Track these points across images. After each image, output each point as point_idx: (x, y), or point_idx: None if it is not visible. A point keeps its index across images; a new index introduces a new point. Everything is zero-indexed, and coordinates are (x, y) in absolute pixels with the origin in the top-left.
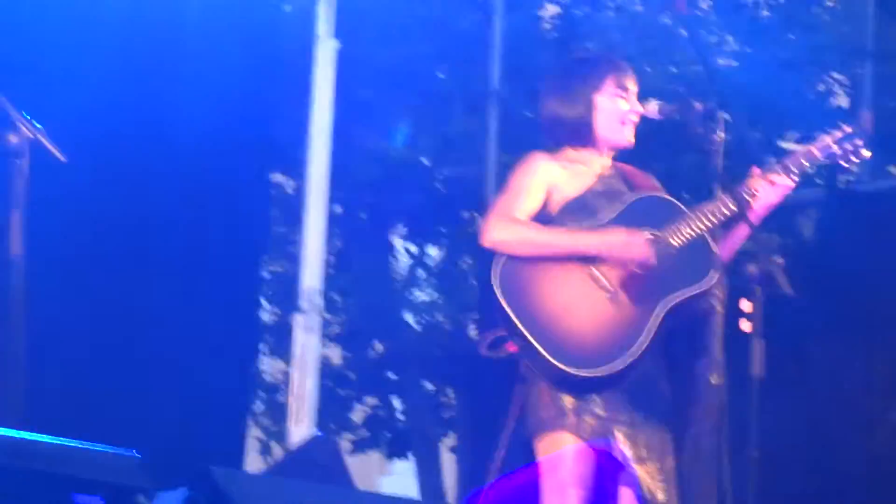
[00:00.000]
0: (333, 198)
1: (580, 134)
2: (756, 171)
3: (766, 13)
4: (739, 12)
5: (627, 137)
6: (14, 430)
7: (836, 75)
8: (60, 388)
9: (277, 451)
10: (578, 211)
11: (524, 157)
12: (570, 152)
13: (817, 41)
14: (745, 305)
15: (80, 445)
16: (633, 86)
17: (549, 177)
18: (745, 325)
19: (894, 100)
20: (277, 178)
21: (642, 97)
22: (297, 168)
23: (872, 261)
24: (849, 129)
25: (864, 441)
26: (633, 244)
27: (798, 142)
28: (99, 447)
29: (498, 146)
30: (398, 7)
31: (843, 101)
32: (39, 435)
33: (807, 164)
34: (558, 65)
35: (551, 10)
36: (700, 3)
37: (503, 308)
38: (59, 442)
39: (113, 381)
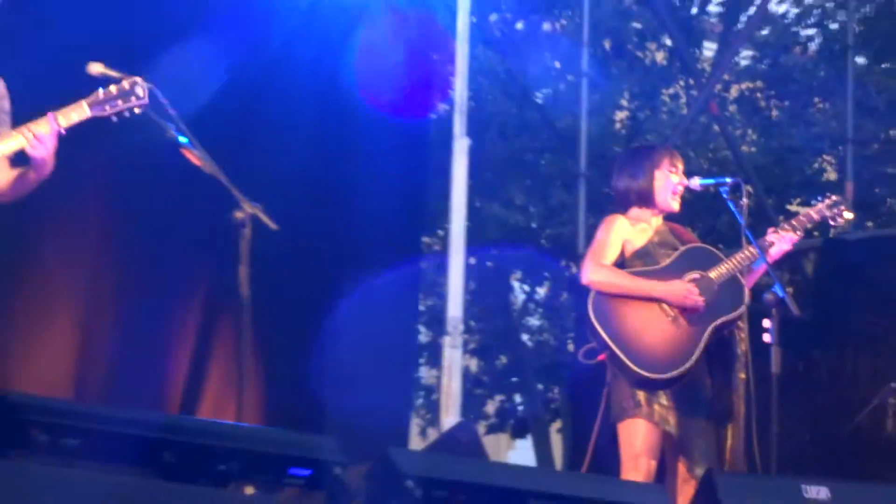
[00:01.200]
0: (469, 251)
1: (643, 199)
2: (771, 229)
3: (775, 113)
4: (757, 113)
5: (676, 204)
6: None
7: (826, 157)
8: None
9: (432, 434)
10: (643, 257)
11: (605, 219)
12: (635, 213)
13: (813, 133)
14: (766, 323)
15: (295, 433)
16: (680, 165)
17: (622, 232)
18: (766, 337)
19: (868, 174)
20: (425, 239)
21: (687, 174)
22: (443, 229)
23: (855, 291)
24: (836, 199)
25: (852, 418)
26: (689, 296)
27: (801, 205)
28: (307, 434)
29: (586, 212)
30: (512, 113)
31: (832, 175)
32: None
33: (807, 223)
34: (628, 152)
35: (621, 114)
36: (728, 106)
37: (596, 328)
38: (277, 430)
39: (324, 387)
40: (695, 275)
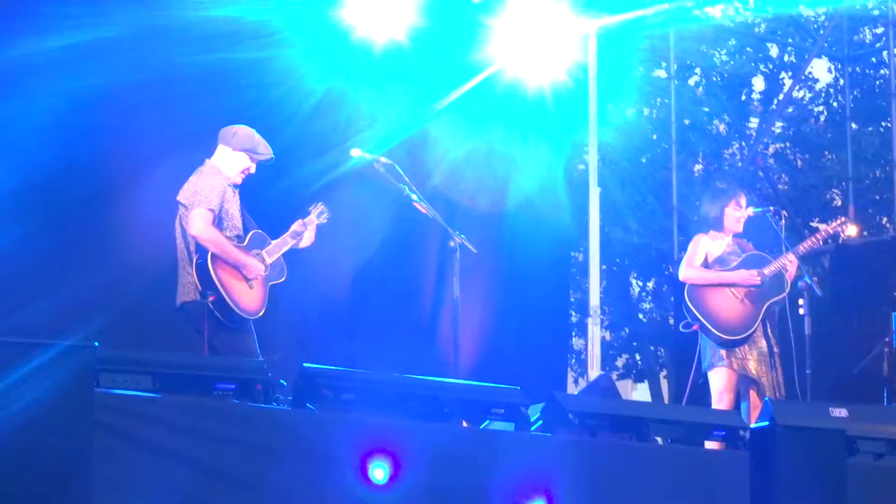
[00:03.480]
0: (602, 260)
1: (717, 224)
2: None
3: (800, 163)
4: (787, 163)
5: (740, 227)
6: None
7: (835, 190)
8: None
9: (582, 383)
10: (721, 262)
11: (694, 237)
12: (713, 233)
13: (825, 175)
14: (801, 301)
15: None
16: (744, 201)
17: (704, 246)
18: (801, 310)
19: (864, 201)
20: (574, 253)
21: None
22: (584, 246)
23: (857, 277)
24: (842, 220)
25: (860, 362)
26: (750, 279)
27: (819, 223)
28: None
29: (678, 233)
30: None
31: (839, 202)
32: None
33: (825, 235)
34: (709, 191)
35: (697, 167)
36: (768, 159)
37: (690, 308)
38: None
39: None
40: (754, 272)
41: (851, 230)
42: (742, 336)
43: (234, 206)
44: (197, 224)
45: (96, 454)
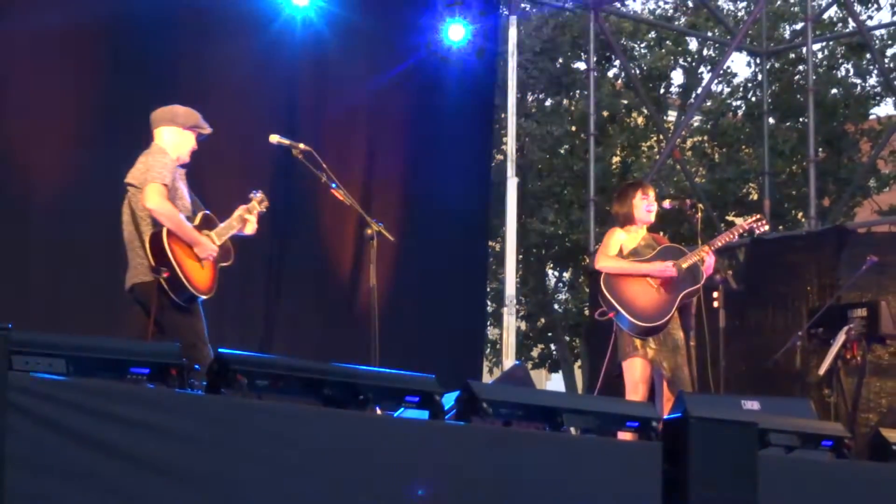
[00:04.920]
0: (518, 250)
1: (629, 218)
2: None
3: (717, 157)
4: (705, 157)
5: (651, 217)
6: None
7: (751, 185)
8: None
9: (496, 372)
10: (636, 254)
11: (608, 231)
12: (628, 227)
13: (742, 169)
14: (716, 294)
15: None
16: (651, 192)
17: (619, 238)
18: (716, 303)
19: (779, 195)
20: (491, 243)
21: (660, 199)
22: (501, 237)
23: (772, 271)
24: (758, 216)
25: (773, 356)
26: (666, 271)
27: (735, 217)
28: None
29: (594, 224)
30: (545, 160)
31: (755, 196)
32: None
33: (741, 230)
34: (619, 188)
35: (616, 159)
36: (686, 152)
37: (606, 296)
38: (389, 370)
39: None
40: (669, 263)
41: (765, 228)
42: (657, 324)
43: (182, 186)
44: (153, 198)
45: (8, 436)
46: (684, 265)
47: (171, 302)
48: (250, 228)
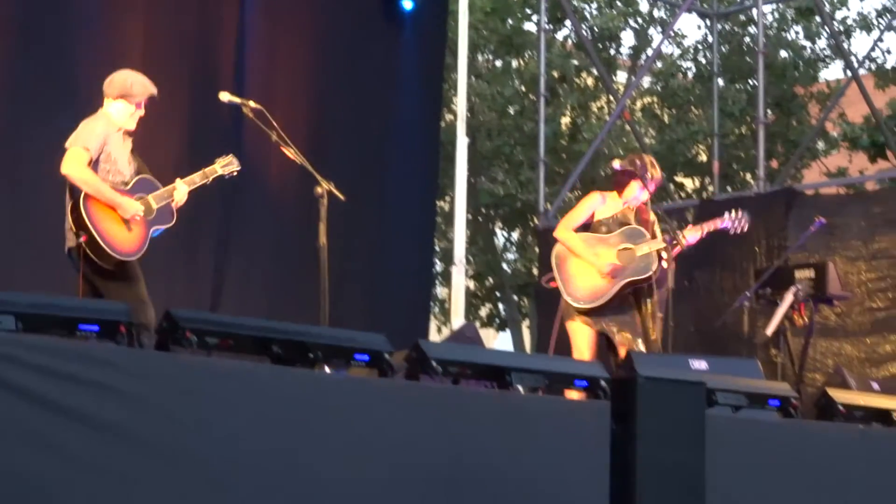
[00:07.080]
0: (468, 210)
1: (620, 186)
2: (688, 226)
3: (667, 118)
4: (655, 118)
5: (623, 209)
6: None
7: (701, 146)
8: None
9: (445, 332)
10: (603, 226)
11: (588, 195)
12: (612, 194)
13: (691, 130)
14: (664, 255)
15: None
16: (647, 196)
17: (593, 205)
18: (665, 264)
19: (728, 157)
20: (439, 203)
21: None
22: (450, 196)
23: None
24: (739, 214)
25: (720, 316)
26: (604, 271)
27: (685, 177)
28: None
29: (544, 184)
30: (495, 120)
31: (704, 158)
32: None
33: (713, 228)
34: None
35: (565, 119)
36: (636, 113)
37: (552, 265)
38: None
39: (374, 300)
40: (623, 246)
41: (745, 224)
42: (589, 306)
43: (121, 152)
44: (68, 163)
45: None
46: (637, 251)
47: (97, 267)
48: (179, 196)
